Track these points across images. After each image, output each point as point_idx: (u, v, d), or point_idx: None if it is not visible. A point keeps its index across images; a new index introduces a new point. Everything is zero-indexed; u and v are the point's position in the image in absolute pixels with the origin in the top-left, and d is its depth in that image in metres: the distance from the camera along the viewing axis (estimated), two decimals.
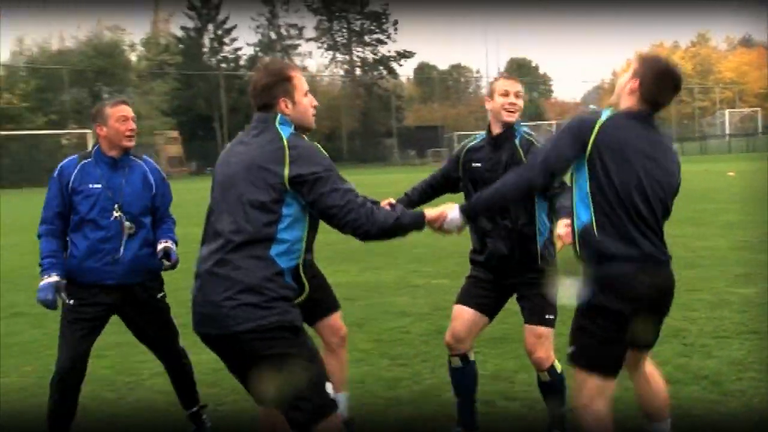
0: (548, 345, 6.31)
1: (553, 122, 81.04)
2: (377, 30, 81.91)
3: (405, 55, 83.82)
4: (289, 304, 4.50)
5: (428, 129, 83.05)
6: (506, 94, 6.22)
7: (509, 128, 6.21)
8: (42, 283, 5.62)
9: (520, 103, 6.24)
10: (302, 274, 4.65)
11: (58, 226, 6.06)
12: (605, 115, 4.89)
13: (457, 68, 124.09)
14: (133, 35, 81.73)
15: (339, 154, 73.65)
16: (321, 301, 6.11)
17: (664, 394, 5.59)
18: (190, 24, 73.94)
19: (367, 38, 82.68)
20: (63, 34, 70.25)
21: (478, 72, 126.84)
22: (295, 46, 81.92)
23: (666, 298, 5.08)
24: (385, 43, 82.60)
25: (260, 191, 4.41)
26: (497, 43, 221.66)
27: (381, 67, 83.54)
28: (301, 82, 4.77)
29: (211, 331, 4.49)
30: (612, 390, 4.80)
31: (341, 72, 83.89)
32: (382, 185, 38.52)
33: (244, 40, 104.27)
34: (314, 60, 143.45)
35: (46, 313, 6.79)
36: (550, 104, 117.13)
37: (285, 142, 4.51)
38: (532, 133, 6.32)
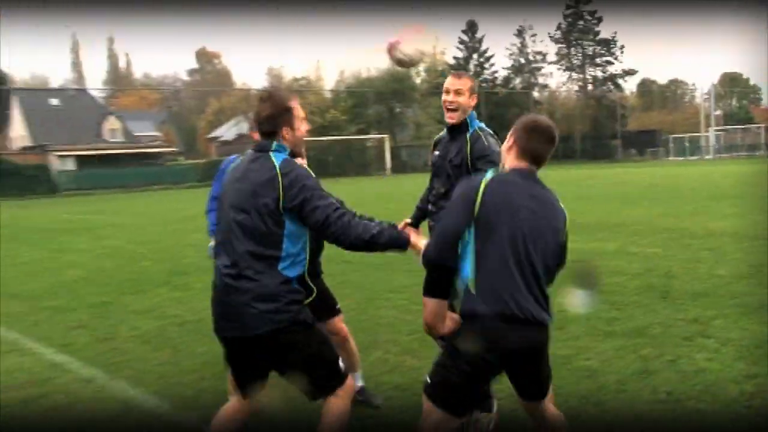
0: None
1: (761, 125, 77.94)
2: (606, 53, 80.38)
3: (629, 72, 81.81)
4: (300, 306, 4.34)
5: (648, 132, 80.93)
6: (447, 92, 5.50)
7: (464, 121, 5.51)
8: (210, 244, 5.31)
9: (461, 99, 5.44)
10: (308, 280, 4.45)
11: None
12: (490, 174, 4.24)
13: (674, 82, 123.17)
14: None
15: (572, 153, 73.34)
16: (320, 308, 5.07)
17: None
18: (460, 54, 75.78)
19: (598, 60, 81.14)
20: (369, 66, 73.47)
21: (693, 85, 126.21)
22: (540, 68, 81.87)
23: (534, 358, 4.24)
24: (613, 63, 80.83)
25: (263, 218, 4.25)
26: (711, 60, 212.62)
27: (609, 83, 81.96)
28: (299, 111, 4.60)
29: (233, 334, 4.37)
30: (454, 426, 4.24)
31: (576, 87, 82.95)
32: (607, 177, 38.29)
33: (500, 64, 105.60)
34: (554, 78, 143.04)
35: None
36: (759, 110, 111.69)
37: (278, 171, 4.32)
38: (485, 128, 5.55)
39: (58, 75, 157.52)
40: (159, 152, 70.34)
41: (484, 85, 73.78)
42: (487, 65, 76.42)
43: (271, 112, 4.47)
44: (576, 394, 5.88)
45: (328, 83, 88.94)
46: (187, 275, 12.74)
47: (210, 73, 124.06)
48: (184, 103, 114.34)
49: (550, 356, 4.28)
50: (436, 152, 5.75)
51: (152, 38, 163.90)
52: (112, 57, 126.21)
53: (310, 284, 4.49)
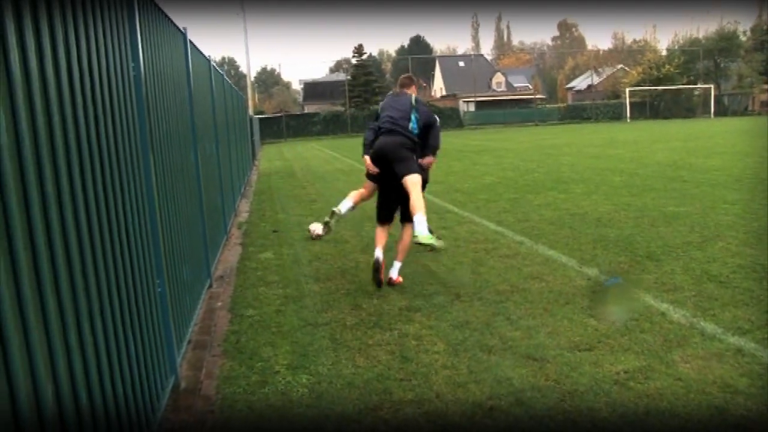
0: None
1: None
2: None
3: None
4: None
5: None
6: None
7: None
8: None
9: None
10: None
11: None
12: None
13: None
14: (744, 25, 75.07)
15: None
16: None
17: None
18: None
19: None
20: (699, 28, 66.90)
21: None
22: None
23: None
24: None
25: None
26: None
27: None
28: None
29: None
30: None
31: None
32: None
33: None
34: None
35: None
36: None
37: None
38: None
39: (463, 44, 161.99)
40: (530, 98, 70.38)
41: None
42: None
43: None
44: None
45: (663, 44, 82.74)
46: (566, 183, 13.23)
47: (568, 39, 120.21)
48: (548, 62, 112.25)
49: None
50: None
51: (524, 15, 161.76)
52: (498, 31, 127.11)
53: None
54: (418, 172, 6.00)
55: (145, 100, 3.97)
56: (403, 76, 6.79)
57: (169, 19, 5.54)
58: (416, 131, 6.13)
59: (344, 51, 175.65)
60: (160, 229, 4.11)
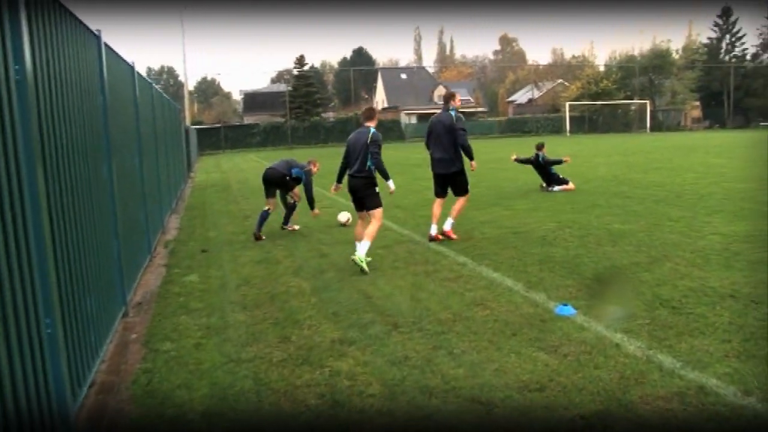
0: None
1: None
2: None
3: None
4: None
5: None
6: None
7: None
8: None
9: None
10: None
11: None
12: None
13: None
14: (676, 43, 77.78)
15: None
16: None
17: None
18: (714, 35, 68.13)
19: None
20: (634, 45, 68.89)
21: None
22: None
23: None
24: None
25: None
26: None
27: None
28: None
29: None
30: None
31: None
32: None
33: (750, 42, 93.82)
34: None
35: None
36: None
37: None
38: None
39: (405, 57, 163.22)
40: (472, 111, 71.00)
41: (733, 60, 66.25)
42: (737, 44, 67.97)
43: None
44: None
45: (600, 59, 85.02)
46: (509, 199, 13.03)
47: (509, 53, 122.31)
48: (489, 75, 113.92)
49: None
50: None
51: (467, 29, 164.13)
52: (441, 44, 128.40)
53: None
54: (380, 206, 7.71)
55: (34, 106, 3.43)
56: (365, 108, 7.97)
57: (79, 21, 4.98)
58: (372, 165, 7.60)
59: (286, 62, 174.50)
60: (51, 256, 3.54)
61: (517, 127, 62.46)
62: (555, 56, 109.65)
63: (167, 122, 14.60)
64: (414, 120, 65.55)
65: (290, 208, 10.59)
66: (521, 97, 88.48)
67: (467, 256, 7.86)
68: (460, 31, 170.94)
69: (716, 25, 68.37)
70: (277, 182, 10.25)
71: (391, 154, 35.15)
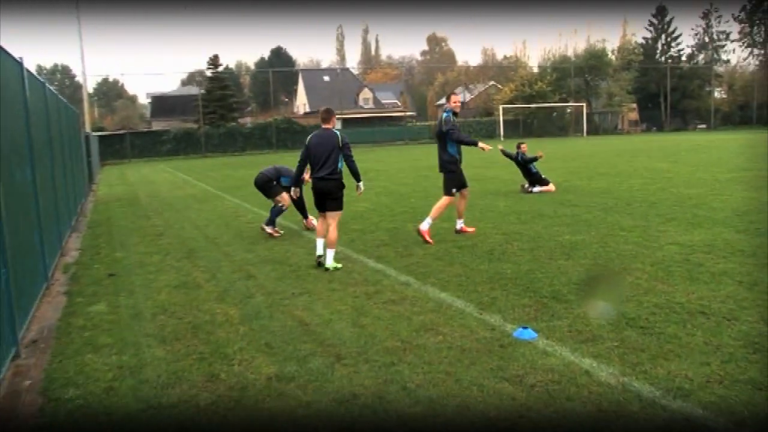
0: None
1: None
2: None
3: None
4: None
5: None
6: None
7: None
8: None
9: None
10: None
11: None
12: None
13: None
14: (611, 43, 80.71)
15: (749, 120, 66.97)
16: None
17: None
18: (649, 35, 70.99)
19: None
20: (568, 45, 71.04)
21: None
22: (722, 46, 73.60)
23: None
24: None
25: None
26: None
27: None
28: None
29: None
30: None
31: (756, 62, 74.01)
32: None
33: (685, 43, 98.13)
34: (735, 54, 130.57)
35: None
36: None
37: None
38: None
39: (327, 57, 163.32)
40: (400, 116, 71.37)
41: (669, 60, 69.06)
42: (673, 44, 70.92)
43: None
44: None
45: (533, 60, 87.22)
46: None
47: (437, 53, 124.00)
48: (417, 77, 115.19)
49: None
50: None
51: (392, 28, 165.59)
52: (365, 43, 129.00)
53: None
54: (341, 209, 8.56)
55: None
56: (322, 110, 8.51)
57: None
58: (341, 165, 8.29)
59: (198, 62, 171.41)
60: None
61: None
62: (486, 57, 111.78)
63: (64, 128, 13.88)
64: (338, 125, 65.33)
65: (276, 212, 11.13)
66: None
67: (410, 275, 7.66)
68: (386, 29, 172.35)
69: (651, 24, 71.37)
70: (262, 186, 11.30)
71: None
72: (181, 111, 70.19)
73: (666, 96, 67.00)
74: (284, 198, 11.04)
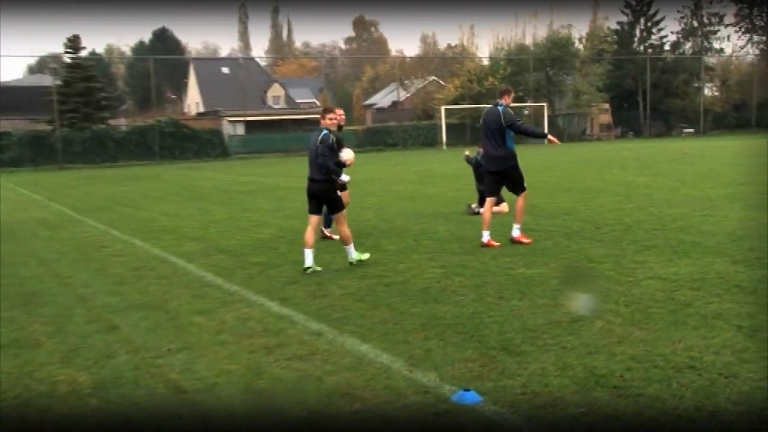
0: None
1: None
2: None
3: None
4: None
5: None
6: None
7: None
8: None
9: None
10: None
11: None
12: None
13: None
14: (579, 30, 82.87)
15: (746, 123, 69.38)
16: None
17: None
18: (625, 19, 73.15)
19: None
20: (526, 31, 72.64)
21: None
22: (715, 31, 75.59)
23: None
24: None
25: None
26: None
27: None
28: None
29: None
30: None
31: (756, 51, 76.03)
32: None
33: (669, 29, 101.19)
34: (731, 42, 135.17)
35: None
36: None
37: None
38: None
39: (227, 44, 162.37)
40: (318, 118, 71.47)
41: (650, 50, 71.16)
42: (654, 30, 72.94)
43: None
44: None
45: (483, 50, 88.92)
46: (374, 236, 12.88)
47: (366, 41, 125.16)
48: (341, 70, 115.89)
49: None
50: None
51: (310, 8, 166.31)
52: (275, 26, 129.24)
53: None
54: (342, 209, 10.26)
55: None
56: (324, 108, 10.78)
57: None
58: (326, 160, 9.86)
59: (52, 43, 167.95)
60: None
61: (378, 138, 63.53)
62: (426, 46, 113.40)
63: None
64: (241, 130, 64.96)
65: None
66: (383, 99, 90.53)
67: (323, 322, 7.51)
68: (301, 10, 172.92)
69: (627, 5, 73.09)
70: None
71: (210, 177, 34.67)
72: (27, 107, 68.04)
73: (645, 94, 68.80)
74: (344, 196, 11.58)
